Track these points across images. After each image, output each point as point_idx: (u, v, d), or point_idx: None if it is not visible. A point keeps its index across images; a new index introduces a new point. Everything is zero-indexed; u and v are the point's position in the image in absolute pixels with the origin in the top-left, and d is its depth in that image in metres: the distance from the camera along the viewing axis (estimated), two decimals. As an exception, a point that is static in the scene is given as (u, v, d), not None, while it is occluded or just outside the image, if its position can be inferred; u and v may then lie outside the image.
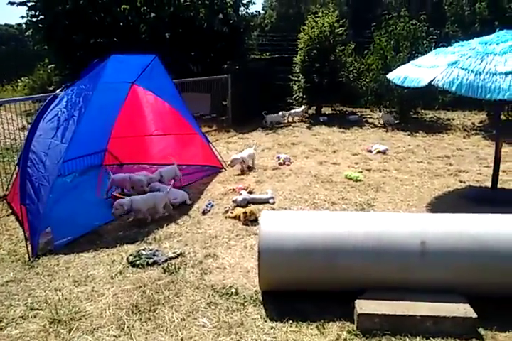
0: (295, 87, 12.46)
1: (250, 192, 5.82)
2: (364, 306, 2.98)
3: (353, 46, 11.99)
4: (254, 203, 5.45)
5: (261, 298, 3.38)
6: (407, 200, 5.56)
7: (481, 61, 4.51)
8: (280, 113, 11.08)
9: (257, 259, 3.25)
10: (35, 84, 17.06)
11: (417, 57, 10.44)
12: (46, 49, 15.35)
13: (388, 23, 11.23)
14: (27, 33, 15.14)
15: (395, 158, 7.79)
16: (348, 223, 3.39)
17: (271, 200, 5.52)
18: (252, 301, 3.34)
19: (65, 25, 13.28)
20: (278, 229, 3.33)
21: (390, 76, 5.51)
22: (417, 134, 9.92)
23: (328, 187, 6.08)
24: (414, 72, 5.04)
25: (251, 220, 4.88)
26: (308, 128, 10.89)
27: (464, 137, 9.61)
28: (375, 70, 11.10)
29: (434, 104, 11.52)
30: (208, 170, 7.03)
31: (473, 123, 10.81)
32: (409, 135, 9.88)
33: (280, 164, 7.43)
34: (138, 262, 3.98)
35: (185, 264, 3.97)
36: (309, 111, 12.39)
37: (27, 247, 4.19)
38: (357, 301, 3.04)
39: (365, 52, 11.61)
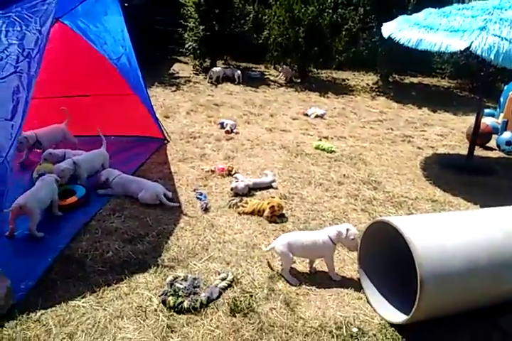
0: (187, 35, 10.70)
1: (233, 172, 4.65)
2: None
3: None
4: (255, 189, 4.35)
5: (400, 336, 2.56)
6: (402, 174, 5.20)
7: (510, 28, 4.22)
8: None
9: (419, 289, 2.37)
10: None
11: (328, 12, 10.08)
12: None
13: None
14: None
15: (336, 123, 7.40)
16: (486, 225, 2.76)
17: (274, 184, 4.48)
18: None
19: None
20: (435, 243, 2.49)
21: (394, 36, 4.84)
22: (329, 95, 9.73)
23: (313, 162, 5.31)
24: (430, 36, 4.49)
25: (278, 216, 3.82)
26: (213, 84, 9.60)
27: (372, 99, 9.83)
28: (281, 24, 10.22)
29: (331, 63, 11.42)
30: (149, 144, 5.42)
31: (367, 84, 11.17)
32: (321, 96, 9.61)
33: (227, 132, 6.25)
34: (185, 304, 2.62)
35: (251, 296, 2.79)
36: (204, 65, 10.95)
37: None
38: None
39: (269, 2, 10.51)
